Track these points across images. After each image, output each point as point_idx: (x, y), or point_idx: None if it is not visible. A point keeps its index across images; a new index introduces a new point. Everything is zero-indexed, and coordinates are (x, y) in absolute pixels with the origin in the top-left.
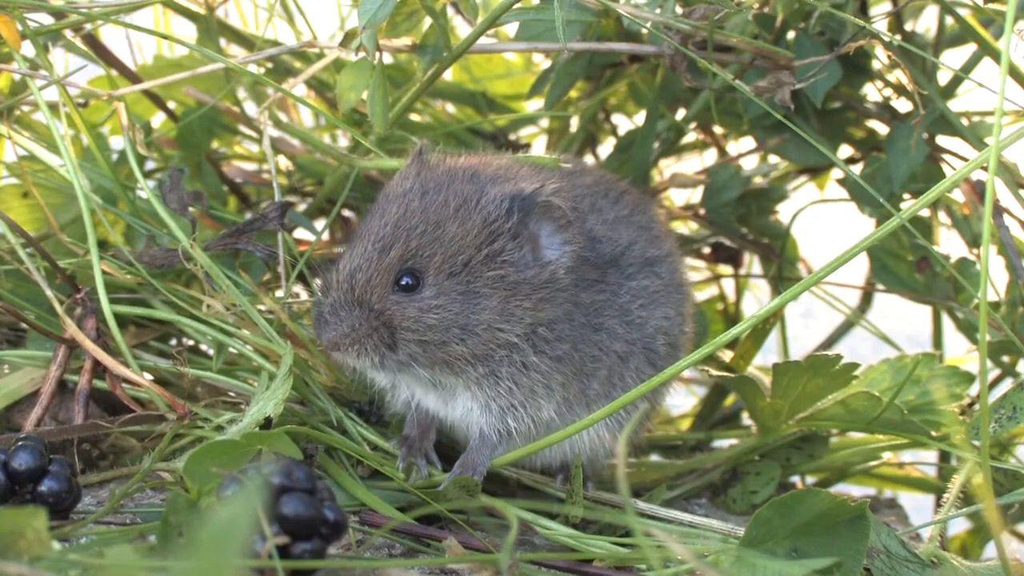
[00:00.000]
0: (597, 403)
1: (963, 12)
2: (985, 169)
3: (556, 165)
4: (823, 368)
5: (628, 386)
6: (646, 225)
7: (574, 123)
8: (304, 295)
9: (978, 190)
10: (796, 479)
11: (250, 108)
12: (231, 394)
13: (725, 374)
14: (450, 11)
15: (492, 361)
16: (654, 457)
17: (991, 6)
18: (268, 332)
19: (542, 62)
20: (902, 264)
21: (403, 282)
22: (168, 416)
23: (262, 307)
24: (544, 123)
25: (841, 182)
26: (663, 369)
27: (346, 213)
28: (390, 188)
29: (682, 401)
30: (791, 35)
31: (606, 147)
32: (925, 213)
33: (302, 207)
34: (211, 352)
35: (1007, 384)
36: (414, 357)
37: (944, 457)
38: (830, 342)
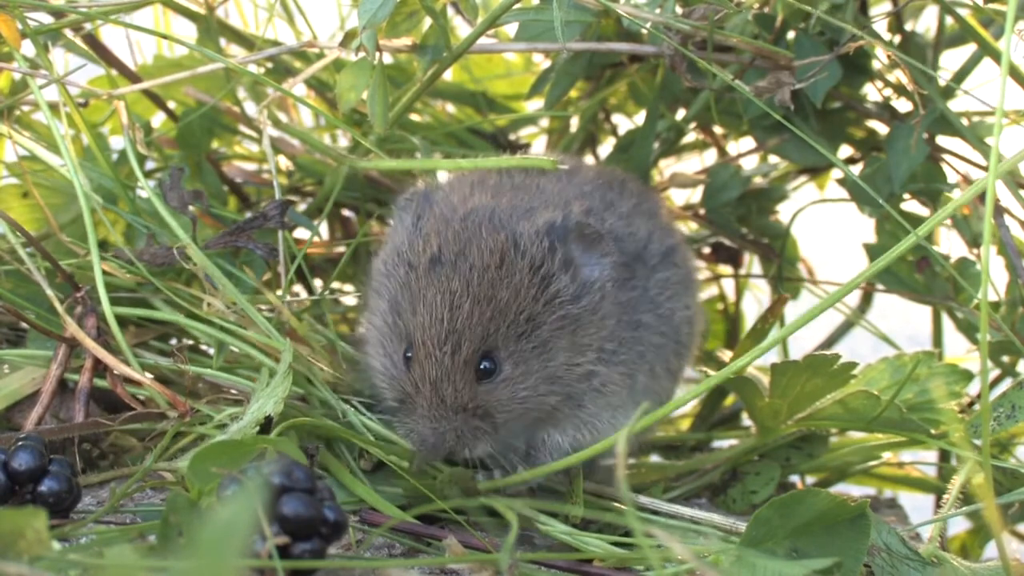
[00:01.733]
0: (643, 397)
1: (963, 12)
2: (985, 169)
3: (554, 167)
4: (822, 368)
5: (660, 376)
6: (654, 213)
7: (574, 123)
8: (303, 294)
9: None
10: (796, 479)
11: (250, 108)
12: (232, 391)
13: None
14: (450, 11)
15: (576, 394)
16: (654, 458)
17: (991, 6)
18: (268, 329)
19: (542, 62)
20: (902, 264)
21: (483, 367)
22: (169, 414)
23: (263, 305)
24: (544, 123)
25: (841, 182)
26: (685, 357)
27: (346, 213)
28: (414, 255)
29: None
30: (791, 35)
31: (606, 147)
32: (925, 213)
33: (302, 207)
34: (212, 350)
35: (1007, 384)
36: (514, 431)
37: (944, 457)
38: (830, 342)
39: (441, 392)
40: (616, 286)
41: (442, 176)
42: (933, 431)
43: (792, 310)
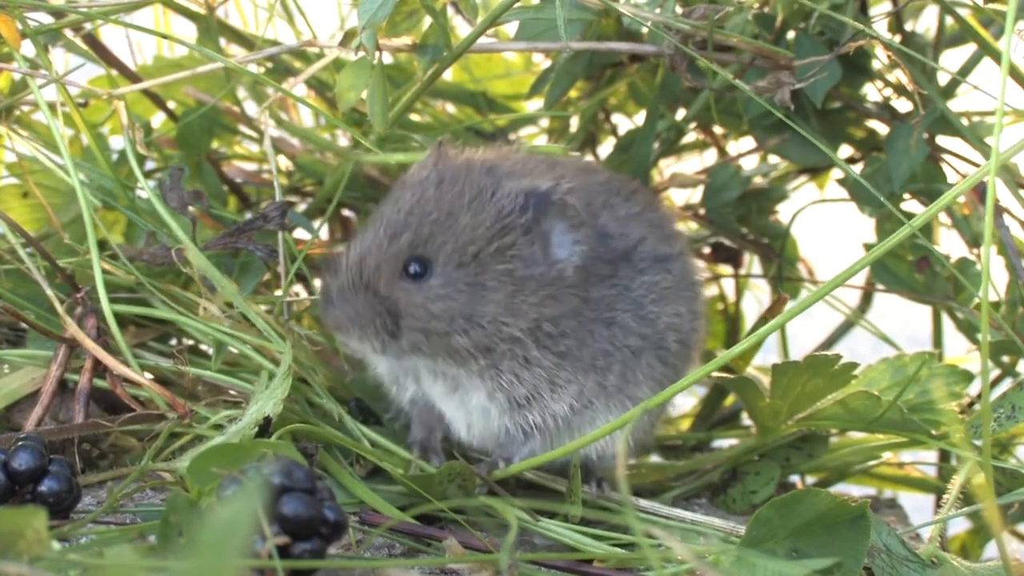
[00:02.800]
0: (615, 396)
1: (963, 12)
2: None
3: (565, 154)
4: (822, 368)
5: (640, 382)
6: (657, 223)
7: (574, 123)
8: (304, 294)
9: (978, 190)
10: (796, 479)
11: (250, 108)
12: (232, 393)
13: (724, 375)
14: (450, 11)
15: (494, 354)
16: (654, 458)
17: (991, 6)
18: (266, 332)
19: (542, 62)
20: (902, 264)
21: (411, 269)
22: (168, 415)
23: (263, 306)
24: (544, 123)
25: (841, 182)
26: (673, 366)
27: (346, 213)
28: (407, 176)
29: (682, 401)
30: (791, 35)
31: (606, 147)
32: None
33: (302, 207)
34: (211, 351)
35: (1007, 384)
36: (416, 345)
37: (944, 457)
38: (830, 342)
39: (363, 264)
40: (587, 279)
41: None
42: (933, 432)
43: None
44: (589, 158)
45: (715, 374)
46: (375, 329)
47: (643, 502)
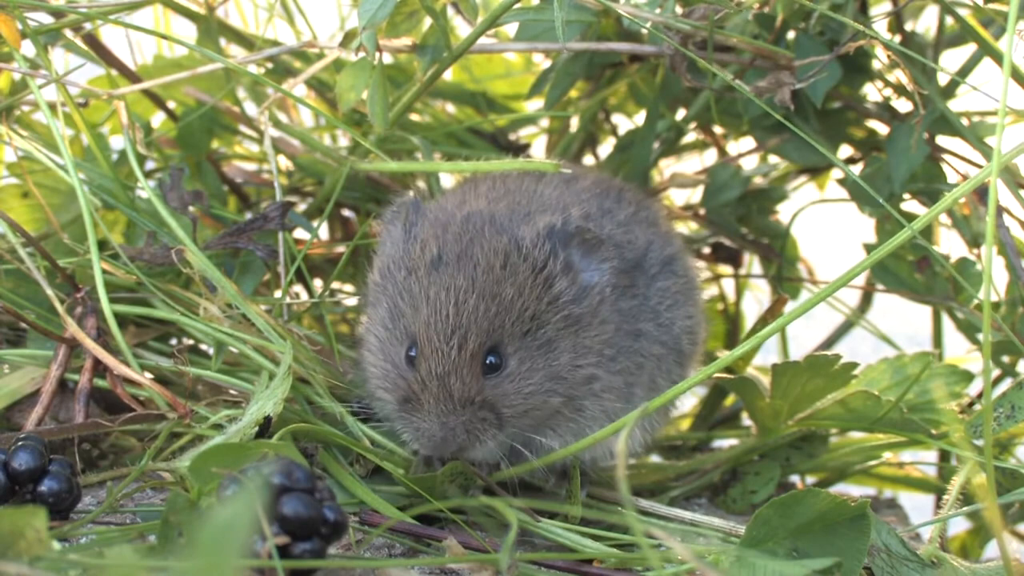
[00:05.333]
0: (640, 403)
1: (963, 12)
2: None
3: (556, 170)
4: (822, 368)
5: (661, 387)
6: (653, 222)
7: (574, 123)
8: (304, 295)
9: (978, 191)
10: (796, 479)
11: (250, 108)
12: (232, 393)
13: (725, 375)
14: (450, 11)
15: (577, 397)
16: (654, 458)
17: (991, 6)
18: (266, 332)
19: (542, 62)
20: (902, 264)
21: (488, 362)
22: (168, 415)
23: (263, 306)
24: (544, 123)
25: (841, 182)
26: (687, 367)
27: (346, 213)
28: (413, 259)
29: (682, 401)
30: (791, 35)
31: (606, 147)
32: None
33: (302, 207)
34: (212, 351)
35: (1007, 384)
36: (520, 426)
37: (944, 457)
38: (830, 342)
39: (448, 386)
40: (616, 293)
41: (446, 180)
42: (933, 431)
43: (792, 310)
44: (589, 158)
45: (715, 374)
46: (486, 432)
47: (643, 502)
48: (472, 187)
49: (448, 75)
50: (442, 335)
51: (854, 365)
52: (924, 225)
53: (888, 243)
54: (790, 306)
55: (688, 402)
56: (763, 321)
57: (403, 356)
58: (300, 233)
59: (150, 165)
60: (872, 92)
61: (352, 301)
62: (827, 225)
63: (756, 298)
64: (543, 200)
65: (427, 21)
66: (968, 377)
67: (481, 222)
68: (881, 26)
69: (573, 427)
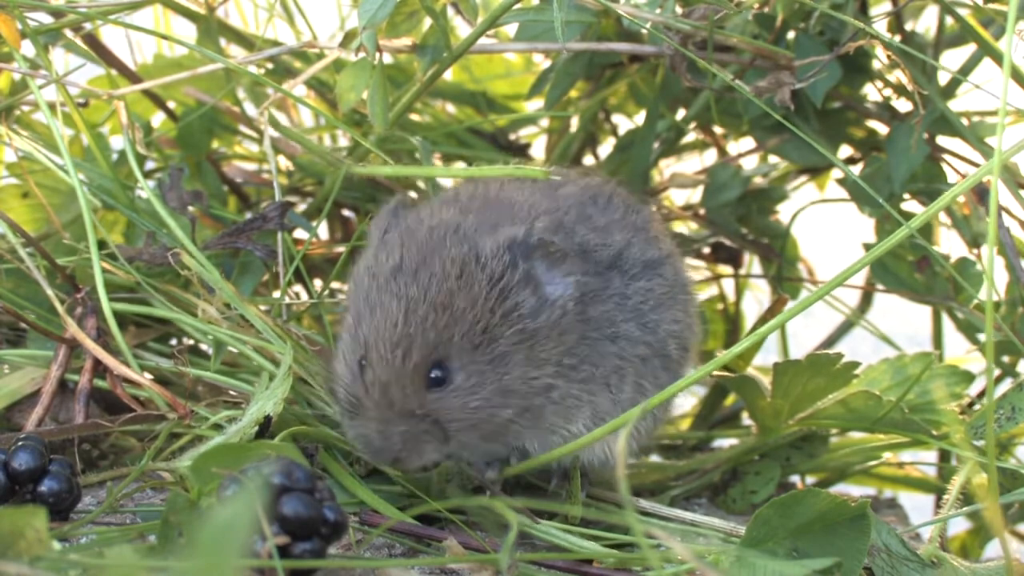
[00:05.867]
0: (628, 407)
1: (963, 12)
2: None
3: (546, 178)
4: (824, 367)
5: (647, 391)
6: (641, 226)
7: (574, 123)
8: (303, 295)
9: (977, 190)
10: (796, 479)
11: (250, 108)
12: (232, 393)
13: (725, 374)
14: (450, 11)
15: (534, 407)
16: (654, 458)
17: (991, 6)
18: (266, 332)
19: (542, 62)
20: (902, 264)
21: (432, 376)
22: (168, 416)
23: (262, 306)
24: (544, 123)
25: (841, 182)
26: (674, 372)
27: (346, 213)
28: (379, 263)
29: (682, 401)
30: (791, 35)
31: (606, 147)
32: None
33: (302, 207)
34: (211, 352)
35: (1007, 384)
36: (467, 441)
37: (944, 457)
38: (830, 342)
39: (390, 395)
40: (581, 304)
41: (445, 180)
42: (934, 432)
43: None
44: (589, 159)
45: (716, 373)
46: (429, 445)
47: (643, 502)
48: (454, 194)
49: (448, 75)
50: (388, 344)
51: (856, 364)
52: (922, 223)
53: (886, 241)
54: (790, 306)
55: (688, 402)
56: (763, 321)
57: (357, 362)
58: (300, 233)
59: (150, 165)
60: (872, 92)
61: None
62: (827, 225)
63: (756, 298)
64: (515, 209)
65: (427, 21)
66: (969, 378)
67: (445, 231)
68: (881, 26)
69: (538, 433)
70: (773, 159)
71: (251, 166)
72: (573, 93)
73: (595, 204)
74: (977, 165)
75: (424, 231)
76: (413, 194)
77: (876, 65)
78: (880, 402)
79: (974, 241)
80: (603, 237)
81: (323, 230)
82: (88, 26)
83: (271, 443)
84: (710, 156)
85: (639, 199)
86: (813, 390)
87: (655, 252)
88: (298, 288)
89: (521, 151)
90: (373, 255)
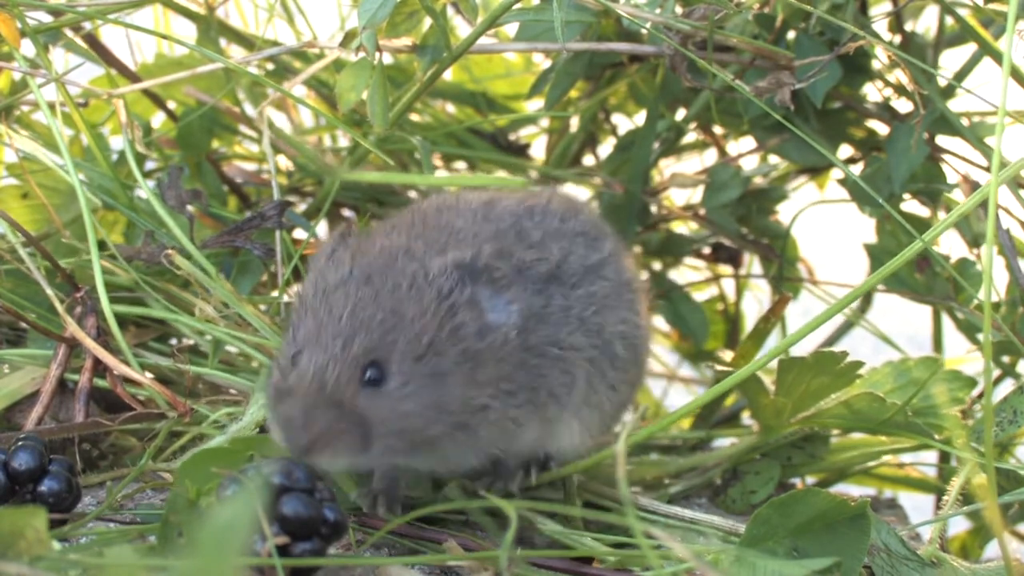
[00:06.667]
0: (580, 411)
1: (963, 12)
2: (986, 169)
3: (524, 186)
4: (828, 365)
5: (599, 389)
6: (580, 230)
7: (574, 123)
8: None
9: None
10: (796, 480)
11: (250, 108)
12: (232, 391)
13: (729, 368)
14: (450, 11)
15: (469, 427)
16: (654, 456)
17: (991, 6)
18: (263, 330)
19: (542, 62)
20: (902, 264)
21: (368, 376)
22: (169, 414)
23: (262, 305)
24: (544, 123)
25: (841, 182)
26: (623, 369)
27: (346, 213)
28: (326, 277)
29: (682, 401)
30: (791, 35)
31: (606, 147)
32: (925, 213)
33: (302, 207)
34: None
35: (1007, 384)
36: (391, 448)
37: (944, 458)
38: (830, 342)
39: (322, 378)
40: (524, 332)
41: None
42: (936, 436)
43: (791, 310)
44: (589, 159)
45: (720, 368)
46: (345, 445)
47: (642, 499)
48: (397, 222)
49: (448, 75)
50: (330, 332)
51: (860, 364)
52: (936, 236)
53: (901, 255)
54: (793, 307)
55: (687, 402)
56: (765, 320)
57: (290, 357)
58: (300, 234)
59: (150, 165)
60: (872, 92)
61: None
62: (827, 225)
63: (756, 298)
64: (459, 235)
65: (427, 21)
66: (972, 384)
67: (396, 251)
68: (881, 26)
69: (467, 448)
70: (773, 159)
71: (251, 166)
72: (573, 93)
73: (531, 218)
74: (977, 165)
75: (375, 250)
76: (413, 194)
77: (876, 65)
78: (884, 404)
79: (974, 241)
80: (539, 252)
81: (323, 231)
82: (88, 26)
83: (261, 438)
84: (710, 156)
85: (576, 203)
86: (817, 388)
87: (596, 255)
88: (296, 288)
89: (521, 151)
90: (320, 273)
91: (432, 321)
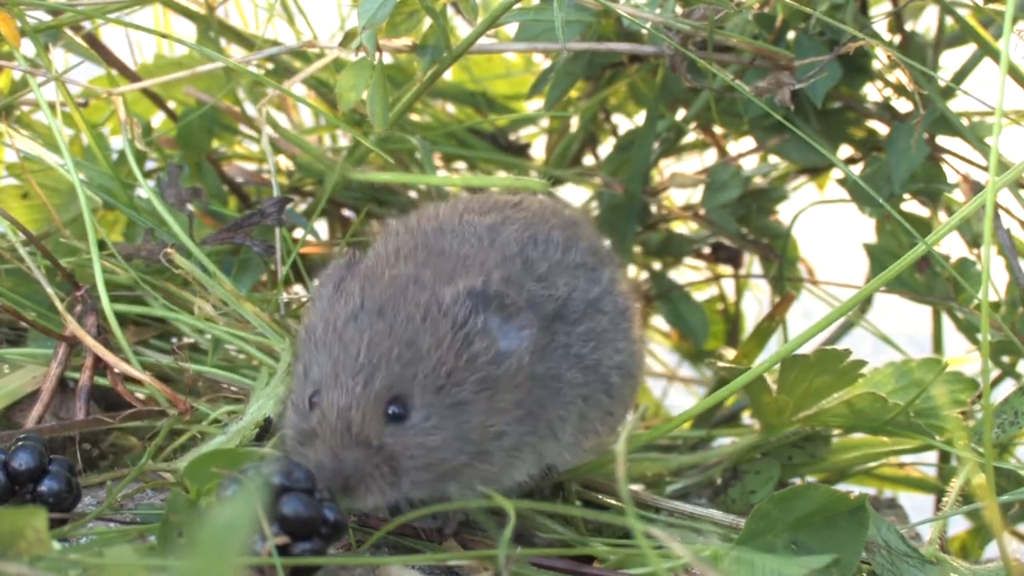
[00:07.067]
0: (569, 447)
1: (963, 12)
2: (986, 169)
3: (545, 189)
4: (831, 363)
5: (592, 420)
6: (581, 262)
7: (574, 123)
8: (302, 292)
9: (977, 191)
10: (796, 480)
11: (250, 108)
12: (232, 389)
13: (732, 365)
14: (450, 11)
15: (486, 452)
16: (654, 455)
17: (991, 6)
18: (262, 328)
19: (542, 62)
20: None
21: (391, 411)
22: (169, 412)
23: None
24: (544, 123)
25: (841, 182)
26: (619, 396)
27: (346, 213)
28: (335, 310)
29: (682, 401)
30: (791, 35)
31: (606, 147)
32: (925, 213)
33: (302, 207)
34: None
35: (1007, 384)
36: (419, 483)
37: (944, 458)
38: (830, 342)
39: (347, 419)
40: (534, 359)
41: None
42: (937, 437)
43: (791, 310)
44: (589, 159)
45: (723, 364)
46: (377, 484)
47: (643, 495)
48: (400, 248)
49: (448, 75)
50: (349, 371)
51: (862, 363)
52: (939, 239)
53: (905, 258)
54: (793, 307)
55: (688, 402)
56: (769, 319)
57: (307, 399)
58: (300, 233)
59: (151, 165)
60: (872, 92)
61: None
62: (827, 225)
63: (756, 298)
64: (467, 262)
65: (427, 21)
66: (973, 386)
67: (406, 281)
68: (881, 26)
69: (482, 479)
70: (773, 159)
71: (251, 166)
72: (573, 93)
73: (535, 246)
74: (977, 165)
75: (385, 281)
76: (413, 194)
77: (876, 65)
78: (886, 405)
79: (974, 241)
80: (547, 288)
81: (324, 231)
82: (88, 25)
83: (268, 451)
84: (710, 156)
85: (574, 225)
86: (819, 387)
87: (596, 289)
88: (298, 288)
89: (521, 151)
90: (328, 306)
91: (449, 352)
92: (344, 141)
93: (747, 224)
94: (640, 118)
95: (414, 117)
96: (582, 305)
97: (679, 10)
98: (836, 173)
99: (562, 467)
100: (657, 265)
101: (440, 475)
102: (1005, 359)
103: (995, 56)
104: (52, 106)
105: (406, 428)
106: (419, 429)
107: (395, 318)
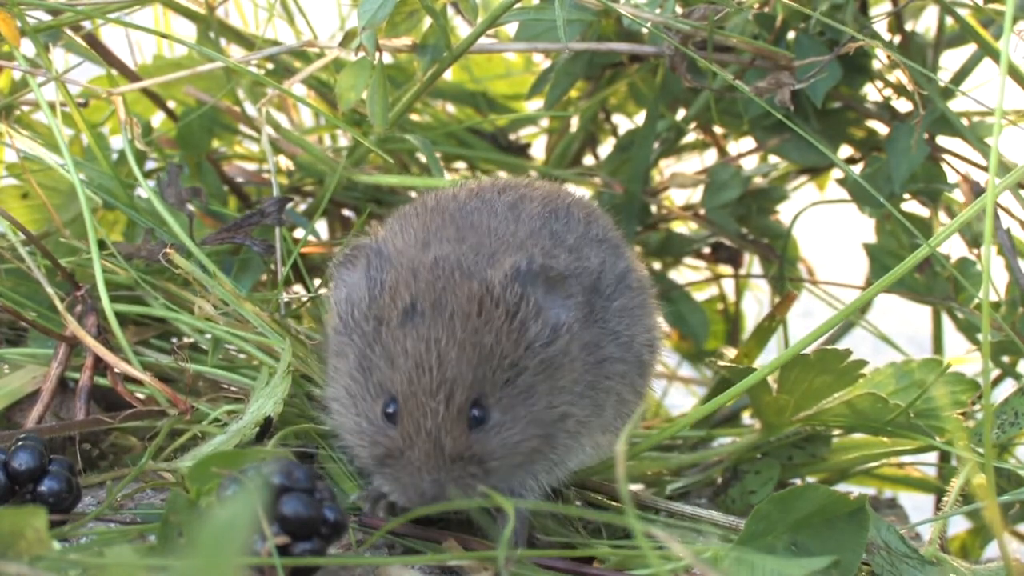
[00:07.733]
0: (613, 423)
1: (963, 12)
2: (986, 170)
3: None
4: (831, 363)
5: (628, 401)
6: (603, 236)
7: (574, 123)
8: (303, 292)
9: (978, 191)
10: (796, 480)
11: (250, 108)
12: (233, 389)
13: (733, 364)
14: (450, 11)
15: (552, 435)
16: (654, 454)
17: (991, 6)
18: (262, 328)
19: (542, 62)
20: None
21: (474, 415)
22: (169, 412)
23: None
24: (544, 123)
25: (841, 182)
26: (648, 374)
27: (346, 213)
28: (380, 309)
29: (682, 401)
30: (791, 35)
31: (606, 147)
32: (925, 213)
33: (303, 207)
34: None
35: (1007, 384)
36: (504, 475)
37: (944, 458)
38: (830, 342)
39: (440, 443)
40: (580, 326)
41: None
42: (937, 438)
43: (791, 310)
44: (589, 159)
45: (724, 363)
46: (471, 488)
47: (643, 495)
48: (425, 224)
49: (448, 75)
50: (427, 391)
51: (863, 363)
52: (941, 241)
53: (907, 261)
54: (793, 307)
55: (688, 402)
56: (770, 318)
57: (379, 413)
58: (301, 233)
59: (151, 165)
60: (872, 92)
61: None
62: (827, 225)
63: (756, 298)
64: (501, 237)
65: (427, 21)
66: (974, 386)
67: (450, 268)
68: (881, 26)
69: (548, 465)
70: (773, 159)
71: (251, 166)
72: (573, 93)
73: (557, 219)
74: (977, 165)
75: (427, 268)
76: (414, 194)
77: (876, 65)
78: (886, 405)
79: (974, 241)
80: (578, 259)
81: (324, 231)
82: (88, 25)
83: (268, 450)
84: (710, 156)
85: (590, 205)
86: (819, 387)
87: (622, 263)
88: (298, 288)
89: (521, 151)
90: (369, 298)
91: (508, 342)
92: (344, 141)
93: (747, 224)
94: (640, 118)
95: (414, 117)
96: (614, 280)
97: (679, 10)
98: (836, 173)
99: (581, 464)
100: (657, 265)
101: (518, 464)
102: (1005, 359)
103: (995, 56)
104: (52, 106)
105: (487, 430)
106: (499, 427)
107: (452, 319)
